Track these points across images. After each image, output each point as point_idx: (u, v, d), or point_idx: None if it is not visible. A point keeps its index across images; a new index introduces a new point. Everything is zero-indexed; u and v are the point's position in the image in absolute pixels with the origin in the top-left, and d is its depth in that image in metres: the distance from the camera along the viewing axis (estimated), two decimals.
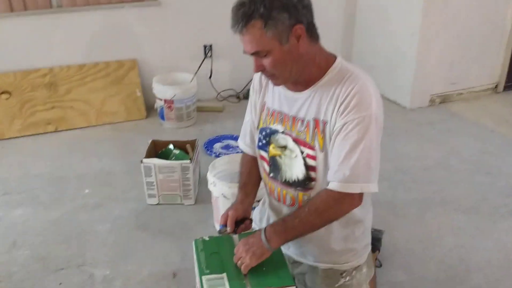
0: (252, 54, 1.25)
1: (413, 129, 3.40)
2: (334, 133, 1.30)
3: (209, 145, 3.12)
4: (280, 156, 1.44)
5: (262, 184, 1.62)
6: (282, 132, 1.42)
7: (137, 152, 2.91)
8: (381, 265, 2.04)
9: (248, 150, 1.58)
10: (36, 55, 3.29)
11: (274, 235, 1.31)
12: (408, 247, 2.19)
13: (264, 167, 1.52)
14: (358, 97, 1.27)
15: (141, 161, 2.41)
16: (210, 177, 2.20)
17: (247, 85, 3.85)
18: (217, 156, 2.87)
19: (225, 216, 1.47)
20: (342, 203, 1.33)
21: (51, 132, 3.28)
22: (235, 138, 3.18)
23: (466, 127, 3.44)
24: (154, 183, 2.44)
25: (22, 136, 3.21)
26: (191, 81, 3.45)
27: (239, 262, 1.31)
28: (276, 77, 1.31)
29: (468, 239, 2.25)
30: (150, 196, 2.48)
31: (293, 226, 1.32)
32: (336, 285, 1.55)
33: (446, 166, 2.90)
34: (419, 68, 3.59)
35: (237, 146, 1.71)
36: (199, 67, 3.61)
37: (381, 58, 3.86)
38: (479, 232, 2.30)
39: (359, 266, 1.57)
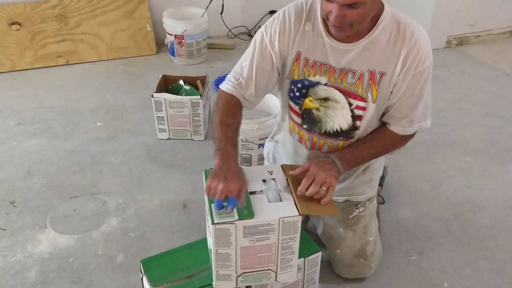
0: (347, 4, 1.17)
1: None
2: (400, 83, 1.33)
3: (219, 82, 3.10)
4: (318, 109, 1.42)
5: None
6: (325, 84, 1.39)
7: (148, 87, 2.93)
8: (384, 202, 2.08)
9: (235, 93, 1.42)
10: None
11: (344, 161, 1.37)
12: (415, 186, 2.22)
13: (293, 118, 1.50)
14: (422, 48, 1.30)
15: (152, 96, 2.41)
16: None
17: (258, 22, 3.77)
18: None
19: (233, 189, 1.18)
20: (405, 141, 1.47)
21: (62, 65, 3.27)
22: None
23: (481, 70, 3.38)
24: (165, 118, 2.46)
25: (33, 68, 3.21)
26: (202, 16, 3.38)
27: (317, 184, 1.27)
28: (350, 28, 1.24)
29: (475, 180, 2.27)
30: (161, 130, 2.51)
31: (361, 156, 1.42)
32: (350, 216, 1.61)
33: (458, 109, 2.88)
34: (438, 8, 3.47)
35: (225, 112, 1.41)
36: (210, 1, 3.52)
37: None
38: (486, 173, 2.32)
39: (372, 197, 1.63)
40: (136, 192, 2.14)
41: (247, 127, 2.12)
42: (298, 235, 1.24)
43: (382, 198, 2.09)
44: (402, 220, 2.02)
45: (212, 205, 1.19)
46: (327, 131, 1.44)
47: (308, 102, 1.42)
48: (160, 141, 2.51)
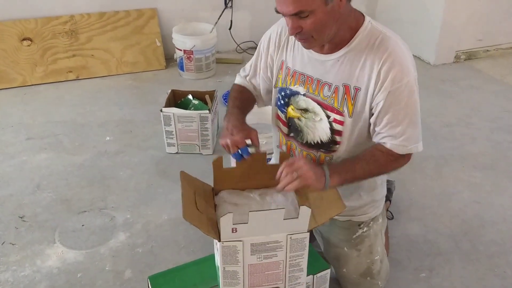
0: (293, 15, 1.17)
1: (436, 86, 3.35)
2: (377, 101, 1.28)
3: (227, 96, 3.09)
4: (299, 118, 1.43)
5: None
6: (304, 95, 1.39)
7: (157, 102, 2.95)
8: (393, 217, 2.07)
9: (245, 85, 1.60)
10: (57, 1, 3.28)
11: (335, 173, 1.27)
12: (424, 201, 2.21)
13: (280, 126, 1.52)
14: (398, 65, 1.25)
15: (161, 110, 2.43)
16: None
17: None
18: None
19: (239, 140, 1.31)
20: (399, 162, 1.38)
21: (72, 80, 3.32)
22: None
23: (490, 85, 3.37)
24: (173, 132, 2.48)
25: (44, 83, 3.25)
26: (211, 31, 3.42)
27: (291, 169, 1.21)
28: (312, 39, 1.23)
29: (484, 195, 2.25)
30: (169, 145, 2.52)
31: (353, 169, 1.31)
32: (354, 236, 1.59)
33: (467, 123, 2.87)
34: (446, 23, 3.48)
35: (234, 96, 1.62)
36: (219, 17, 3.56)
37: (407, 12, 3.74)
38: (495, 189, 2.30)
39: (376, 216, 1.60)
40: (144, 206, 2.15)
41: None
42: (306, 251, 1.23)
43: (391, 213, 2.08)
44: (411, 236, 2.00)
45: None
46: (308, 142, 1.44)
47: (291, 111, 1.44)
48: (168, 155, 2.52)
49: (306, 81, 1.37)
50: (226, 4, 3.65)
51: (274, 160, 1.74)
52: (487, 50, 3.80)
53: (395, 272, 1.79)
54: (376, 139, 1.36)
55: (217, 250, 1.23)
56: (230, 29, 3.73)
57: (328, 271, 1.46)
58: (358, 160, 1.34)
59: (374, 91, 1.27)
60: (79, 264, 1.84)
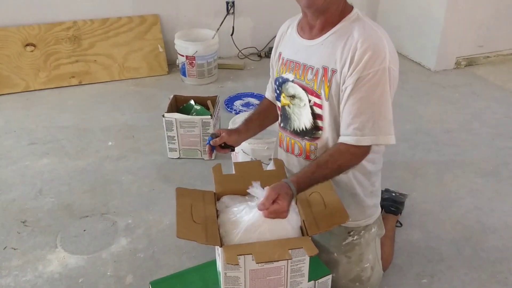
0: None
1: (436, 92, 3.35)
2: (346, 86, 1.28)
3: (229, 102, 3.13)
4: (288, 105, 1.45)
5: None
6: (292, 81, 1.42)
7: (159, 107, 2.96)
8: (401, 225, 2.06)
9: (268, 96, 1.69)
10: (61, 7, 3.30)
11: (296, 179, 1.28)
12: (425, 207, 2.21)
13: (279, 120, 1.56)
14: (372, 50, 1.24)
15: (163, 116, 2.44)
16: None
17: (268, 43, 3.82)
18: (237, 113, 2.89)
19: (218, 132, 1.57)
20: (357, 157, 1.34)
21: (75, 85, 3.33)
22: (256, 96, 3.19)
23: (491, 91, 3.38)
24: (175, 137, 2.48)
25: (47, 89, 3.27)
26: (213, 37, 3.43)
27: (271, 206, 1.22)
28: None
29: (486, 202, 2.25)
30: (171, 150, 2.53)
31: (312, 171, 1.31)
32: (344, 242, 1.58)
33: (468, 130, 2.87)
34: (446, 29, 3.49)
35: (258, 104, 1.81)
36: (221, 23, 3.58)
37: (408, 17, 3.76)
38: (497, 195, 2.30)
39: (368, 226, 1.59)
40: (146, 211, 2.15)
41: (257, 147, 2.14)
42: (307, 257, 1.24)
43: (400, 222, 2.07)
44: (413, 242, 2.00)
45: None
46: (295, 129, 1.46)
47: (282, 99, 1.48)
48: (170, 160, 2.53)
49: (295, 67, 1.41)
50: (228, 10, 3.67)
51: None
52: (488, 57, 3.81)
53: (397, 278, 1.79)
54: (340, 131, 1.34)
55: (219, 255, 1.23)
56: (232, 35, 3.75)
57: (330, 276, 1.46)
58: (318, 161, 1.33)
59: (346, 73, 1.27)
60: (81, 269, 1.84)
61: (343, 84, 1.29)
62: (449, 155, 2.61)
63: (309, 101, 1.38)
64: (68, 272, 1.83)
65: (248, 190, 1.27)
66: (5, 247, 1.94)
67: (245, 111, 2.92)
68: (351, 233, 1.57)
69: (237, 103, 3.13)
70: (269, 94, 1.68)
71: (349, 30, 1.30)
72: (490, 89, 3.41)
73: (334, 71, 1.31)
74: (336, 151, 1.33)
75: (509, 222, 2.12)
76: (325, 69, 1.33)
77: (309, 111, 1.39)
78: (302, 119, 1.42)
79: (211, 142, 1.56)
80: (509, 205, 2.23)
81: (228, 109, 3.05)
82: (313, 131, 1.42)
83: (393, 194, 2.11)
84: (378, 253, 1.67)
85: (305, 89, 1.38)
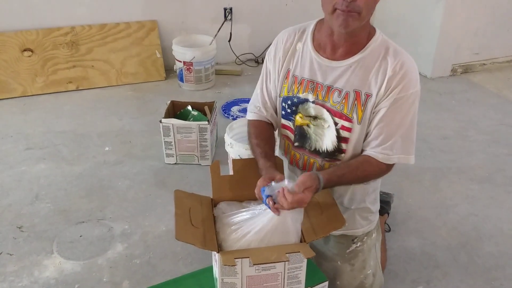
0: None
1: (432, 99, 3.37)
2: (380, 107, 1.31)
3: (226, 108, 3.14)
4: (308, 125, 1.44)
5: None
6: (313, 102, 1.41)
7: (156, 113, 2.97)
8: (390, 230, 2.07)
9: (259, 118, 1.52)
10: (59, 13, 3.31)
11: (327, 176, 1.29)
12: (421, 213, 2.21)
13: (288, 135, 1.52)
14: (409, 74, 1.30)
15: (160, 121, 2.44)
16: (228, 139, 2.23)
17: (265, 49, 3.83)
18: (235, 119, 2.90)
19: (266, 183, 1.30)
20: (381, 170, 1.38)
21: (72, 90, 3.33)
22: None
23: (487, 99, 3.40)
24: (172, 143, 2.49)
25: (44, 94, 3.27)
26: (210, 43, 3.45)
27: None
28: (357, 16, 1.23)
29: (481, 208, 2.26)
30: (168, 155, 2.53)
31: (341, 173, 1.33)
32: (347, 250, 1.59)
33: (463, 136, 2.89)
34: (443, 36, 3.52)
35: (255, 133, 1.55)
36: (219, 30, 3.60)
37: (404, 25, 3.79)
38: (493, 202, 2.31)
39: (369, 231, 1.60)
40: (142, 217, 2.15)
41: None
42: (304, 264, 1.24)
43: (388, 226, 2.08)
44: (409, 248, 2.01)
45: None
46: (317, 149, 1.45)
47: (299, 119, 1.45)
48: (167, 166, 2.53)
49: (316, 88, 1.38)
50: (225, 16, 3.69)
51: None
52: (484, 64, 3.83)
53: (393, 284, 1.79)
54: (367, 147, 1.37)
55: (215, 261, 1.24)
56: (229, 41, 3.77)
57: (326, 283, 1.46)
58: (347, 165, 1.36)
59: (382, 96, 1.31)
60: (77, 275, 1.84)
61: (376, 107, 1.32)
62: (445, 161, 2.62)
63: (335, 123, 1.37)
64: (64, 278, 1.82)
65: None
66: (1, 253, 1.93)
67: (242, 116, 2.93)
68: (355, 240, 1.58)
69: (234, 109, 3.13)
70: (261, 114, 1.52)
71: (379, 52, 1.32)
72: (486, 96, 3.44)
73: (368, 96, 1.32)
74: (366, 162, 1.36)
75: (505, 229, 2.13)
76: (357, 92, 1.32)
77: (334, 133, 1.38)
78: (325, 140, 1.41)
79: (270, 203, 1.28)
80: (504, 212, 2.24)
81: (225, 115, 3.05)
82: (335, 153, 1.42)
83: None
84: (378, 258, 1.68)
85: (329, 110, 1.38)
